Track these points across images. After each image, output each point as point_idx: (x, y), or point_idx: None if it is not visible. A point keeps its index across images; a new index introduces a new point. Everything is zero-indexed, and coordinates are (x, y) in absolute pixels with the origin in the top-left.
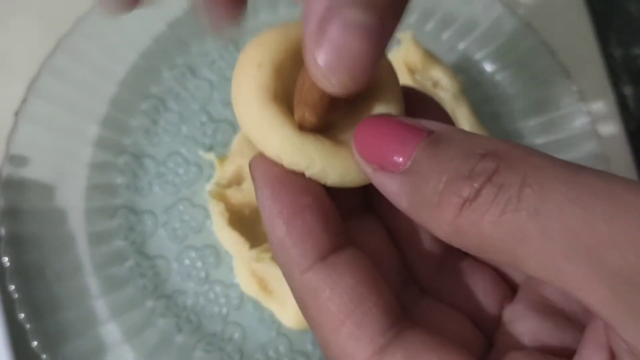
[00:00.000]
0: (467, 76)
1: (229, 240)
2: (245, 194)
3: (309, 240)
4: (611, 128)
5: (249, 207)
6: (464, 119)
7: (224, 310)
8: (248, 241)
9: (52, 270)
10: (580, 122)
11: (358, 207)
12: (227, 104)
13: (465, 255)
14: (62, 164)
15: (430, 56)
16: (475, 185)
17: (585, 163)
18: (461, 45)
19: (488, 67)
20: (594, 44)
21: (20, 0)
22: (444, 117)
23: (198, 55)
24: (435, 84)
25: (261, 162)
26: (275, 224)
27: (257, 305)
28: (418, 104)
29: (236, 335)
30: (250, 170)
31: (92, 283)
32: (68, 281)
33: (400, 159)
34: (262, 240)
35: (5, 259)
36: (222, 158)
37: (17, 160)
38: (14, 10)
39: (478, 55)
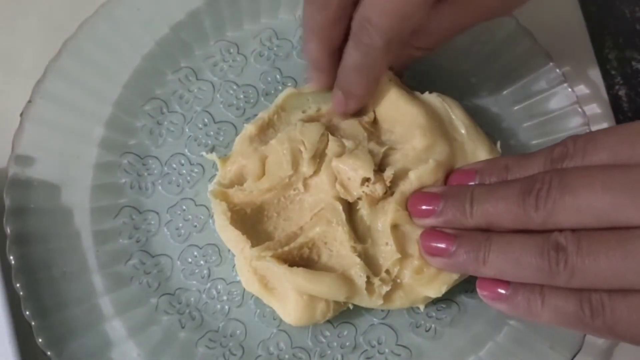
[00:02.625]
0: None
1: (231, 238)
2: (247, 194)
3: None
4: None
5: (251, 206)
6: (459, 120)
7: (226, 307)
8: (249, 240)
9: (58, 268)
10: (574, 122)
11: None
12: (229, 105)
13: None
14: (67, 165)
15: None
16: None
17: None
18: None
19: (483, 70)
20: (589, 46)
21: (26, 2)
22: None
23: (201, 58)
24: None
25: None
26: None
27: (258, 302)
28: None
29: (238, 332)
30: None
31: (97, 281)
32: (73, 279)
33: None
34: (264, 239)
35: (11, 257)
36: (224, 158)
37: (22, 160)
38: (20, 12)
39: (472, 57)
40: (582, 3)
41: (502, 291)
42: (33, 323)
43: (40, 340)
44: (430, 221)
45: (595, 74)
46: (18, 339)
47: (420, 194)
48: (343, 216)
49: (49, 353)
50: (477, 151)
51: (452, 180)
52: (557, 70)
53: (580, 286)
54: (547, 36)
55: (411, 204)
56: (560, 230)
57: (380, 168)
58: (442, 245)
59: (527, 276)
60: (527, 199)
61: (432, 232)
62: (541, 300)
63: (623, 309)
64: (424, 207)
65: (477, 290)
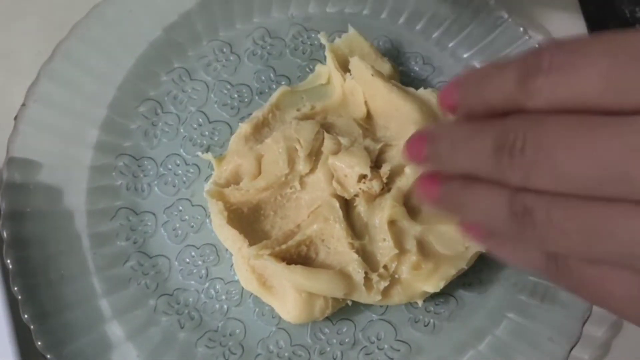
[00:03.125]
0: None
1: (229, 238)
2: (243, 193)
3: None
4: None
5: (248, 205)
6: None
7: (225, 306)
8: (247, 239)
9: (56, 271)
10: None
11: None
12: (224, 105)
13: None
14: (63, 167)
15: (376, 49)
16: None
17: None
18: (451, 44)
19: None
20: None
21: (24, 4)
22: None
23: (194, 58)
24: (374, 73)
25: None
26: None
27: (257, 300)
28: None
29: (237, 331)
30: None
31: (95, 283)
32: (71, 282)
33: None
34: (261, 237)
35: (9, 261)
36: (220, 158)
37: (17, 163)
38: (17, 13)
39: (466, 55)
40: (582, 3)
41: (478, 232)
42: (32, 327)
43: (39, 343)
44: (421, 165)
45: None
46: (18, 342)
47: (412, 136)
48: (340, 213)
49: (48, 356)
50: None
51: (443, 95)
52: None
53: (548, 251)
54: (547, 36)
55: (406, 147)
56: (533, 190)
57: (376, 164)
58: (428, 192)
59: (499, 232)
60: (501, 158)
61: (421, 178)
62: (512, 248)
63: (589, 277)
64: (413, 152)
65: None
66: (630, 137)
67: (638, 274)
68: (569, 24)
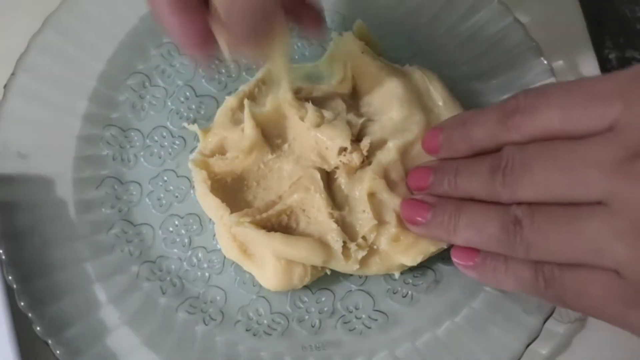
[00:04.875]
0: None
1: (211, 206)
2: (227, 163)
3: None
4: None
5: (231, 176)
6: (437, 93)
7: (206, 274)
8: (229, 207)
9: (41, 236)
10: None
11: None
12: (211, 79)
13: None
14: (51, 136)
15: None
16: None
17: None
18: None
19: (463, 45)
20: (589, 47)
21: (24, 3)
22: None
23: None
24: (364, 51)
25: None
26: None
27: (238, 269)
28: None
29: (218, 298)
30: None
31: (79, 248)
32: (56, 247)
33: None
34: (243, 207)
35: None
36: (206, 129)
37: (5, 131)
38: (17, 12)
39: (454, 33)
40: (582, 3)
41: (472, 260)
42: (15, 286)
43: (22, 303)
44: (425, 193)
45: (595, 74)
46: (16, 331)
47: (416, 168)
48: (321, 183)
49: (30, 315)
50: None
51: (425, 139)
52: (533, 42)
53: (536, 258)
54: (547, 36)
55: (409, 179)
56: (520, 204)
57: (358, 138)
58: (418, 214)
59: (490, 246)
60: (495, 176)
61: (410, 202)
62: (504, 269)
63: (571, 282)
64: (418, 182)
65: (452, 258)
66: (583, 152)
67: (608, 274)
68: (569, 24)
